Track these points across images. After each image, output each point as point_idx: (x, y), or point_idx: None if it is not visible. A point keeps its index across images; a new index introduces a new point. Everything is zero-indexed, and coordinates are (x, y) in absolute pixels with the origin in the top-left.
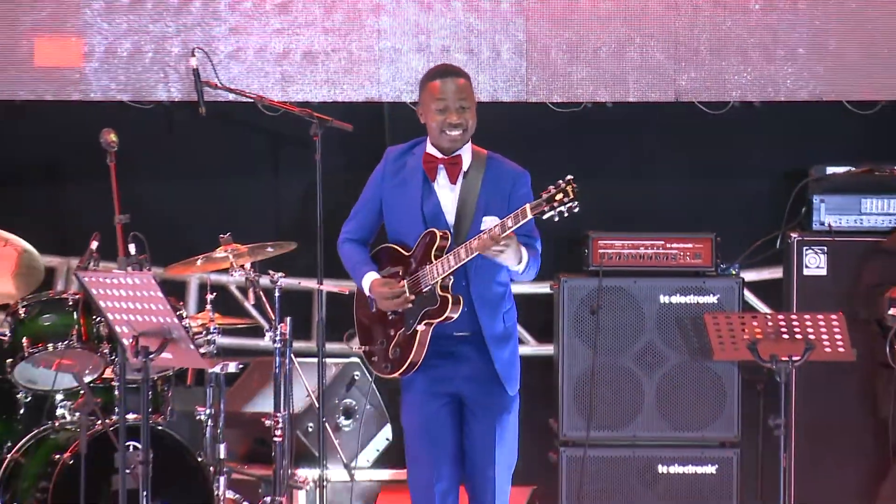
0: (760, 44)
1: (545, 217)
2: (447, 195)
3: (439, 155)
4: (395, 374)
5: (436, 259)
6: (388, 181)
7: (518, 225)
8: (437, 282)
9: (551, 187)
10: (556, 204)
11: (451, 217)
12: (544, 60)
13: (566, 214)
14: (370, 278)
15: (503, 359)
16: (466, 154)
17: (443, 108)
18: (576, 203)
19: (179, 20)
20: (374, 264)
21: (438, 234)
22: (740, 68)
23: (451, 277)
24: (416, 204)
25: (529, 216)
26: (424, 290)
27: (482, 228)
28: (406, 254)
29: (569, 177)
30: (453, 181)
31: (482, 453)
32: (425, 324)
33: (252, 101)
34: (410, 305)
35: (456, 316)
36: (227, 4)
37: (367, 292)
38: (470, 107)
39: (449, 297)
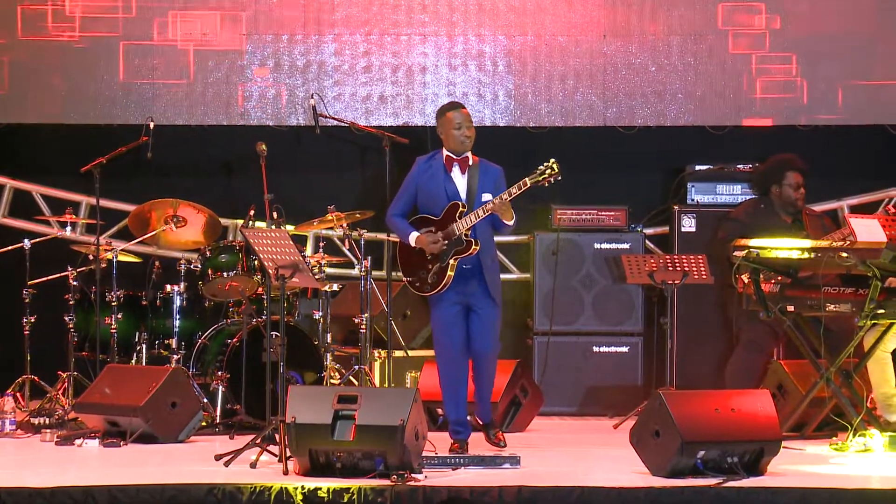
0: (655, 91)
1: (538, 184)
2: (460, 181)
3: (454, 156)
4: (433, 293)
5: (459, 219)
6: (420, 176)
7: (520, 192)
8: (462, 232)
9: (542, 167)
10: (546, 176)
11: (463, 194)
12: (524, 101)
13: (552, 182)
14: (414, 235)
15: (494, 282)
16: (470, 156)
17: (458, 126)
18: (559, 175)
19: (304, 77)
20: (412, 227)
21: (460, 204)
22: (643, 106)
23: (470, 230)
24: (441, 187)
25: (529, 185)
26: (454, 238)
27: (483, 201)
28: (435, 218)
29: (552, 160)
30: (463, 173)
31: (483, 338)
32: (454, 259)
33: (347, 125)
34: (444, 248)
35: (475, 253)
36: (333, 67)
37: (412, 244)
38: (471, 124)
39: (472, 241)
